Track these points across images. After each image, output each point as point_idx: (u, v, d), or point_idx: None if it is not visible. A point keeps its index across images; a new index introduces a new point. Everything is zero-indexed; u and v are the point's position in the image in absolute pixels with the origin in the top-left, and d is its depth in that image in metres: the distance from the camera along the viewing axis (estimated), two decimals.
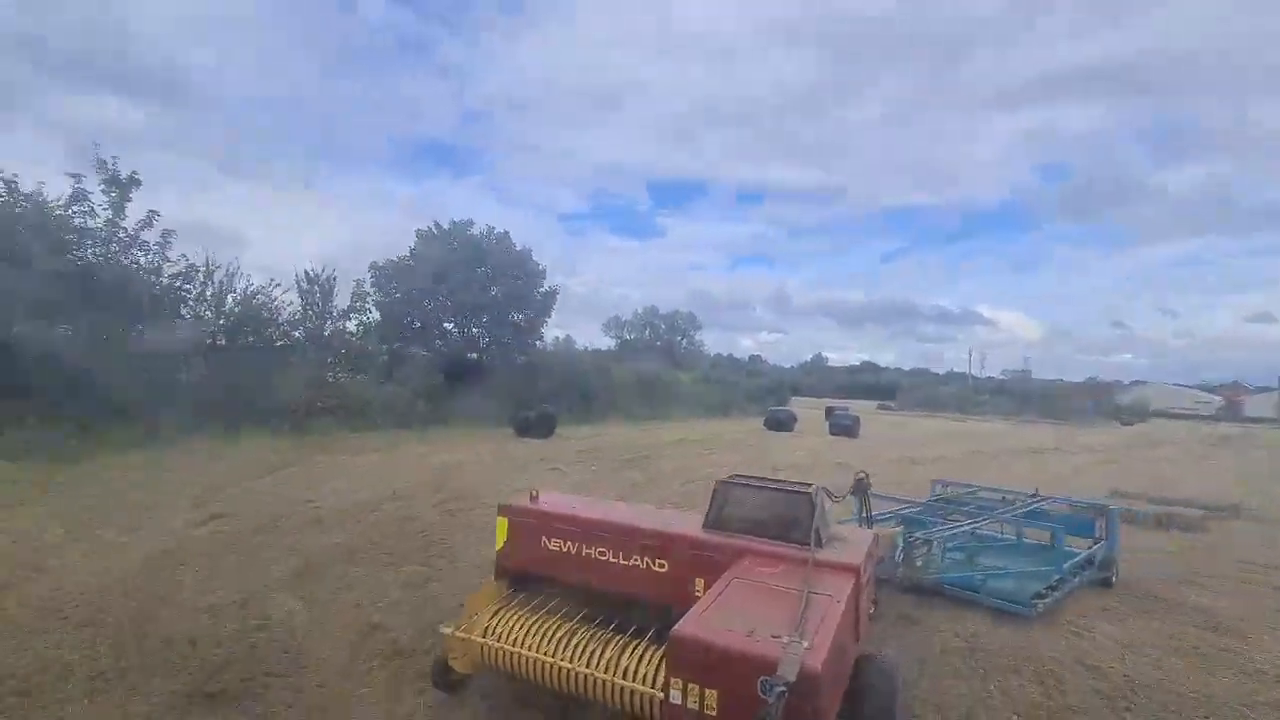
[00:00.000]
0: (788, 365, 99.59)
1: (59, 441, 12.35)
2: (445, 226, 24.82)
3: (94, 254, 15.02)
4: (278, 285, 18.54)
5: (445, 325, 24.81)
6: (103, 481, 9.66)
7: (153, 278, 16.00)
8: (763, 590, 3.01)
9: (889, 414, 50.01)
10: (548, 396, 22.60)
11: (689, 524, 3.91)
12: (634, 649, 3.29)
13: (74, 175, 14.86)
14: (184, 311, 16.69)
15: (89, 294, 14.26)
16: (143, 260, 15.96)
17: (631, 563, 3.71)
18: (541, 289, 25.65)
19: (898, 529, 5.83)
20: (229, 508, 8.26)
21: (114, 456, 11.99)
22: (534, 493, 4.37)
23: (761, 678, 2.19)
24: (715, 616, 2.67)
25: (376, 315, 23.13)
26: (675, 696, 2.45)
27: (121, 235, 15.49)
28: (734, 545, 3.54)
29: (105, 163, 15.14)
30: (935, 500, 7.83)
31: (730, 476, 4.13)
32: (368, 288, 22.76)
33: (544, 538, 4.01)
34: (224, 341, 17.26)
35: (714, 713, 2.36)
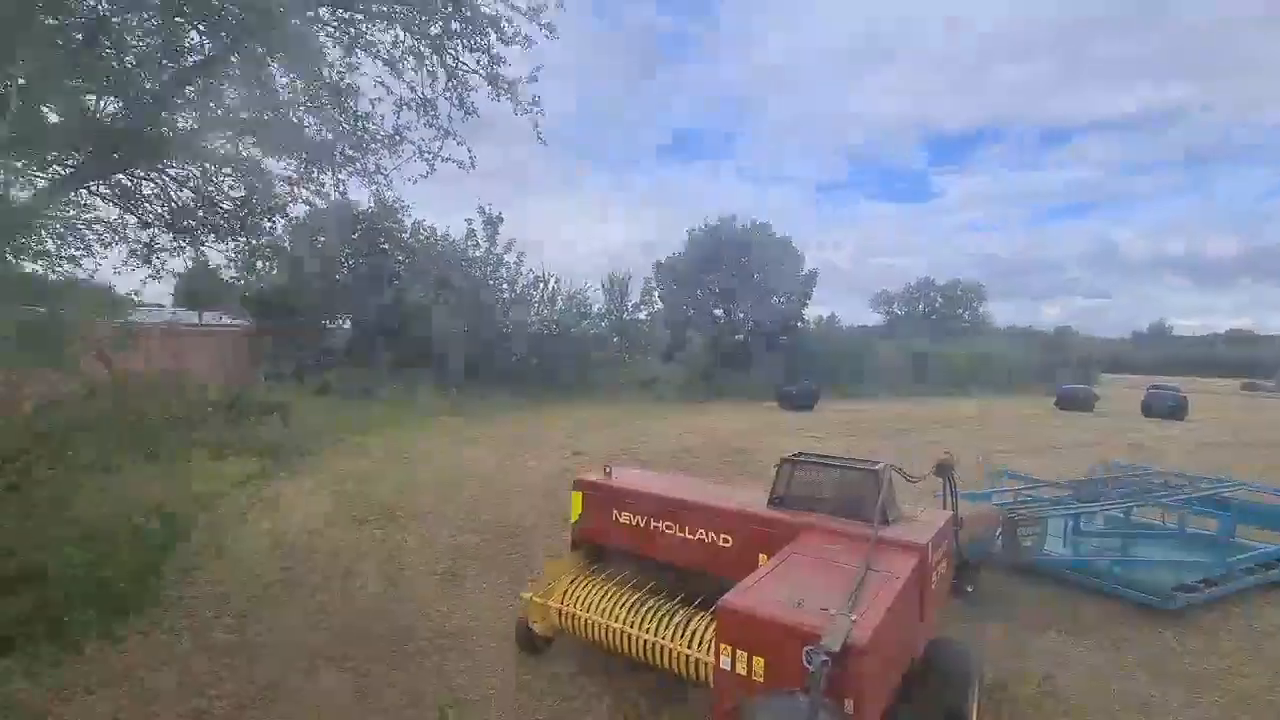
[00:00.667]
0: (1115, 336, 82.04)
1: (471, 404, 18.44)
2: (713, 223, 27.90)
3: (479, 272, 21.45)
4: (590, 286, 23.72)
5: (715, 312, 28.01)
6: (503, 431, 14.60)
7: (512, 287, 22.09)
8: (819, 565, 3.08)
9: (1259, 395, 38.94)
10: (810, 373, 24.18)
11: (754, 500, 4.00)
12: (698, 619, 3.53)
13: (468, 219, 21.42)
14: (531, 312, 22.59)
15: (475, 301, 20.55)
16: (504, 274, 22.16)
17: (697, 537, 3.84)
18: (801, 272, 27.12)
19: (998, 507, 5.64)
20: (583, 449, 12.09)
21: (501, 415, 17.51)
22: (607, 468, 4.58)
23: (806, 647, 2.25)
24: (765, 588, 2.77)
25: (661, 305, 27.37)
26: (725, 662, 2.56)
27: (493, 258, 21.77)
28: (797, 521, 3.60)
29: (483, 208, 21.44)
30: (1084, 482, 7.32)
31: (795, 454, 4.19)
32: (653, 283, 27.03)
33: (615, 511, 4.19)
34: (557, 331, 22.80)
35: (761, 679, 2.45)
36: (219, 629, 4.61)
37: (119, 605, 4.73)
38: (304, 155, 5.73)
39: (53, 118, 4.03)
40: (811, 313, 30.21)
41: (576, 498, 4.40)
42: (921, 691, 2.95)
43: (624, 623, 3.68)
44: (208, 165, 5.61)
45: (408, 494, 8.48)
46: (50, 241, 4.26)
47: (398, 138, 5.87)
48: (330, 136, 5.80)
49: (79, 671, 3.92)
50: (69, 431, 6.03)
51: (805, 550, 3.24)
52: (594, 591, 3.97)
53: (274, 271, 18.70)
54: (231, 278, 17.98)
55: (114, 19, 4.04)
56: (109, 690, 3.76)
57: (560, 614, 3.99)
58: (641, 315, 26.26)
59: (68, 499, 6.05)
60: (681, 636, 3.46)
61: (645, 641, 3.55)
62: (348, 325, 19.98)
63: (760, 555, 3.48)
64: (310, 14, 4.65)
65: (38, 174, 4.05)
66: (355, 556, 6.24)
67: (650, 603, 3.78)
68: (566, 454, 11.68)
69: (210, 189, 5.96)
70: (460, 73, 5.86)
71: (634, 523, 4.09)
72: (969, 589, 5.15)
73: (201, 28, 4.36)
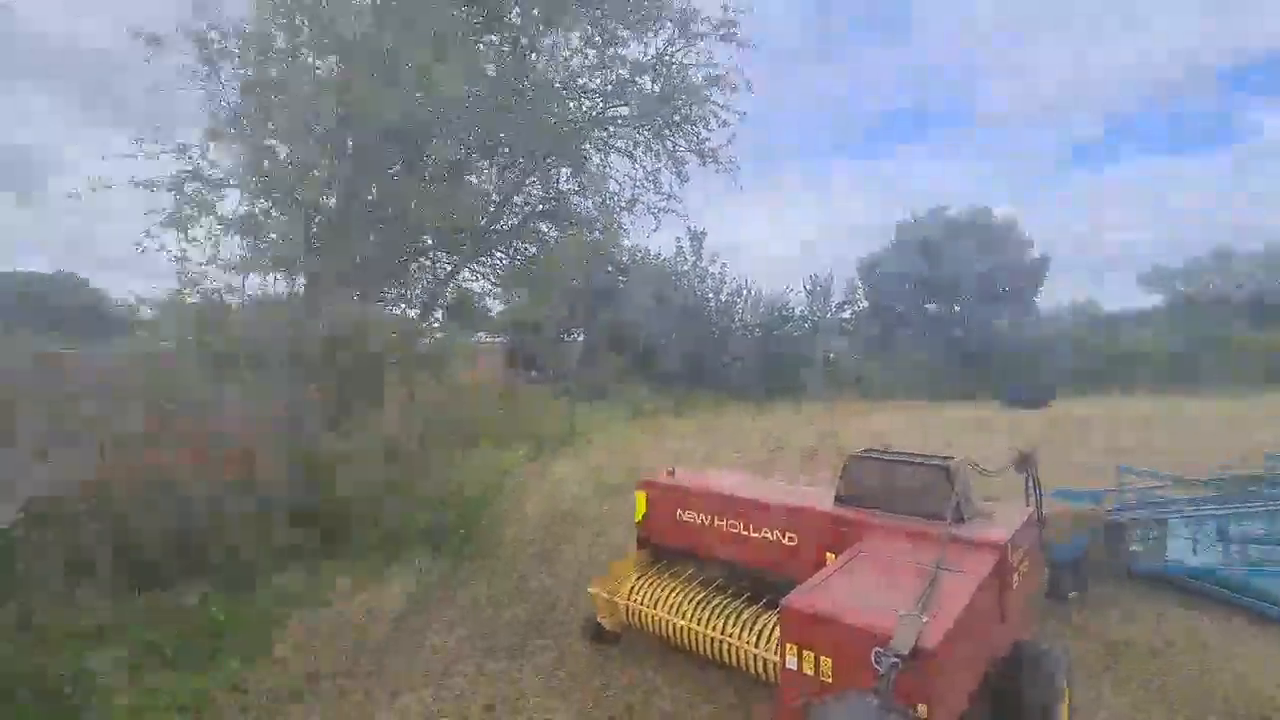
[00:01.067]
0: None
1: (686, 405, 20.54)
2: (922, 215, 26.70)
3: (688, 285, 23.66)
4: (792, 290, 24.61)
5: (928, 307, 26.72)
6: (713, 427, 16.30)
7: (718, 296, 23.94)
8: (889, 564, 3.02)
9: None
10: (1042, 368, 21.97)
11: (820, 498, 3.94)
12: (764, 617, 3.54)
13: (678, 238, 23.82)
14: (736, 318, 24.20)
15: (686, 312, 22.71)
16: (710, 285, 24.07)
17: (762, 535, 3.81)
18: (1030, 257, 24.65)
19: (1096, 508, 5.32)
20: (783, 444, 13.23)
21: (712, 414, 19.27)
22: (670, 469, 4.75)
23: (875, 649, 2.22)
24: (832, 587, 2.75)
25: (866, 303, 27.02)
26: (791, 662, 2.53)
27: (699, 271, 23.82)
28: (865, 520, 3.52)
29: (690, 227, 23.64)
30: (1227, 480, 6.24)
31: (863, 450, 4.10)
32: (857, 281, 26.85)
33: (679, 510, 4.24)
34: (759, 335, 24.07)
35: (829, 679, 2.41)
36: (524, 562, 6.79)
37: (465, 538, 7.27)
38: (573, 225, 8.34)
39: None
40: (1062, 298, 27.13)
41: (640, 497, 4.50)
42: (1004, 695, 2.86)
43: (691, 620, 3.75)
44: (518, 241, 8.53)
45: (639, 474, 10.51)
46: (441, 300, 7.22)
47: (634, 202, 8.25)
48: (593, 211, 8.34)
49: (460, 569, 6.36)
50: (428, 424, 9.11)
51: (874, 549, 3.21)
52: (660, 588, 4.07)
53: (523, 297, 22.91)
54: (499, 310, 22.45)
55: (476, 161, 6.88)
56: (475, 583, 6.06)
57: (627, 610, 4.08)
58: (846, 315, 26.26)
59: (426, 467, 9.08)
60: (748, 634, 3.49)
61: (712, 639, 3.61)
62: (580, 338, 23.54)
63: (827, 554, 3.45)
64: (585, 138, 7.17)
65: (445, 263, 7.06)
66: (607, 520, 8.28)
67: (716, 600, 3.83)
68: (770, 448, 12.92)
69: (513, 252, 8.84)
70: (677, 153, 8.09)
71: (698, 521, 4.13)
72: (1071, 594, 4.96)
73: (521, 160, 7.09)
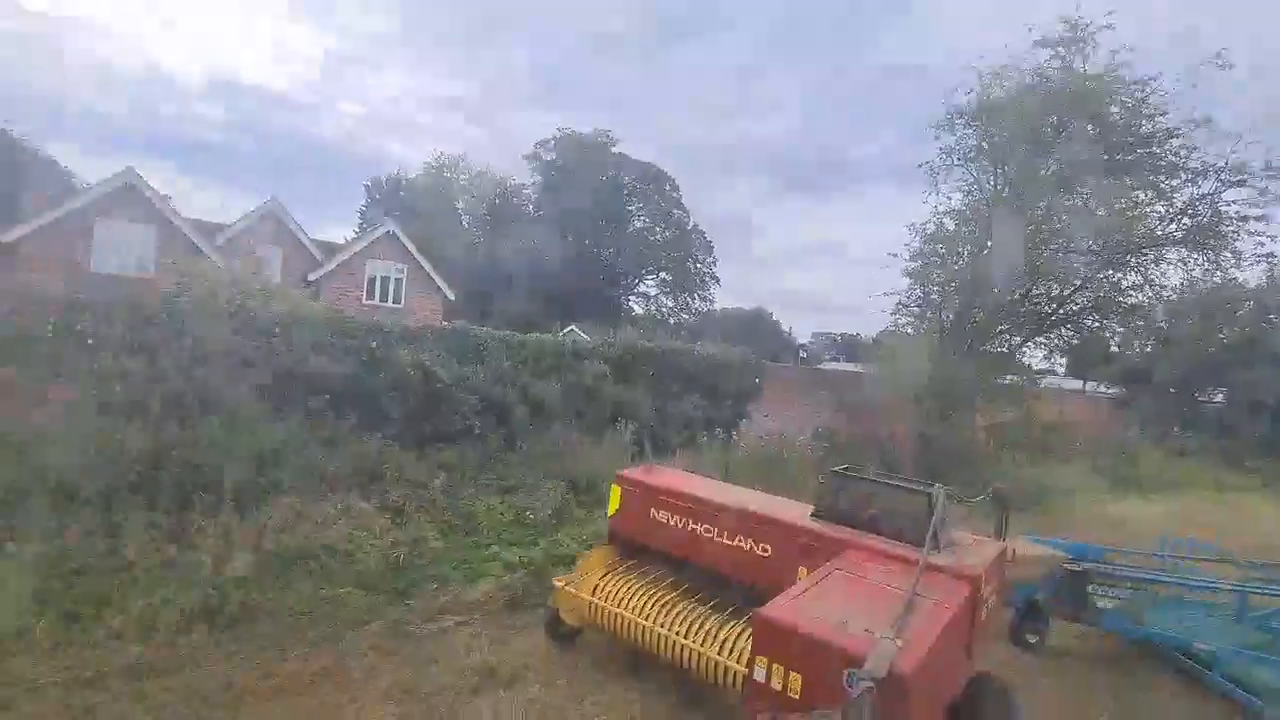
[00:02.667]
0: None
1: None
2: None
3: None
4: None
5: None
6: None
7: None
8: (864, 585, 2.96)
9: None
10: None
11: (797, 512, 3.86)
12: (730, 626, 3.49)
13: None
14: None
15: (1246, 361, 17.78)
16: None
17: (735, 543, 3.74)
18: None
19: (1057, 553, 5.18)
20: None
21: None
22: (648, 465, 4.64)
23: (848, 670, 2.18)
24: (806, 603, 2.70)
25: None
26: (759, 674, 2.50)
27: None
28: (841, 538, 3.46)
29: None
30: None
31: (843, 468, 4.03)
32: None
33: (652, 509, 4.13)
34: None
35: (796, 695, 2.36)
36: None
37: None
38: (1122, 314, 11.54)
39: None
40: None
41: (615, 491, 4.43)
42: None
43: (654, 622, 3.67)
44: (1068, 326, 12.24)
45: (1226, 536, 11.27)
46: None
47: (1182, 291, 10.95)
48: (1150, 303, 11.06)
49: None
50: (1006, 441, 13.39)
51: (850, 568, 3.17)
52: (625, 587, 3.97)
53: (1147, 348, 22.27)
54: (1118, 352, 22.90)
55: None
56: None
57: (590, 606, 3.98)
58: None
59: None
60: (712, 642, 3.46)
61: (674, 643, 3.55)
62: (1219, 398, 20.92)
63: (800, 568, 3.41)
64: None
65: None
66: (1133, 536, 10.33)
67: (681, 604, 3.79)
68: None
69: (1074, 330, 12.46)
70: (1221, 265, 10.32)
71: (671, 522, 4.07)
72: (1031, 639, 4.91)
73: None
